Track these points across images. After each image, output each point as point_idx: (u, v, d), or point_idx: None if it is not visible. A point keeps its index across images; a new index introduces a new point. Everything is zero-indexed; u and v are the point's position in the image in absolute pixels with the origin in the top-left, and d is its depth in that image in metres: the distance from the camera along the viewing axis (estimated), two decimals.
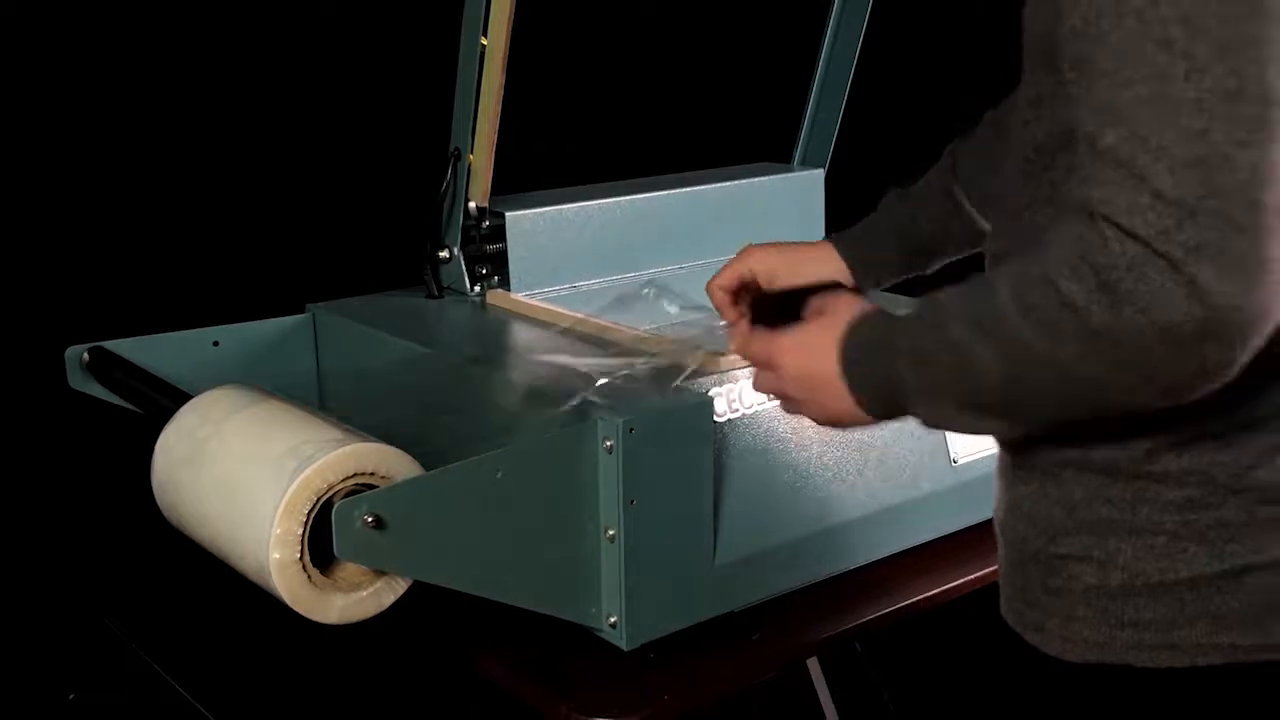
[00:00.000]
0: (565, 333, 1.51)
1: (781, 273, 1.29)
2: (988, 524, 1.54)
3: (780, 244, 1.33)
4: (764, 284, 1.29)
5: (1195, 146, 0.77)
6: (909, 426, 1.47)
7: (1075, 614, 0.98)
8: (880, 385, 0.99)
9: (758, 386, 1.13)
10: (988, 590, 1.58)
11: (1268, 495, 0.93)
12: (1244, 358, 0.80)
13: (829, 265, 1.33)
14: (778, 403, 1.13)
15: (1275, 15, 0.78)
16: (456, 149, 1.70)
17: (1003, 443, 1.06)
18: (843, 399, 1.02)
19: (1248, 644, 0.94)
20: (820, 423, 1.09)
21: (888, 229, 1.37)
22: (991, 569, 1.53)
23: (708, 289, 1.30)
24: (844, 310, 1.05)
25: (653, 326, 1.51)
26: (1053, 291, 0.83)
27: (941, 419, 0.97)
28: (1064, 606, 0.99)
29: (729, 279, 1.29)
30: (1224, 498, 0.93)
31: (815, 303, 1.14)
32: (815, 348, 1.04)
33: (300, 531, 1.11)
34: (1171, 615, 0.95)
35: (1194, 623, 0.95)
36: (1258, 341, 0.80)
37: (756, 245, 1.31)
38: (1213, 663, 0.95)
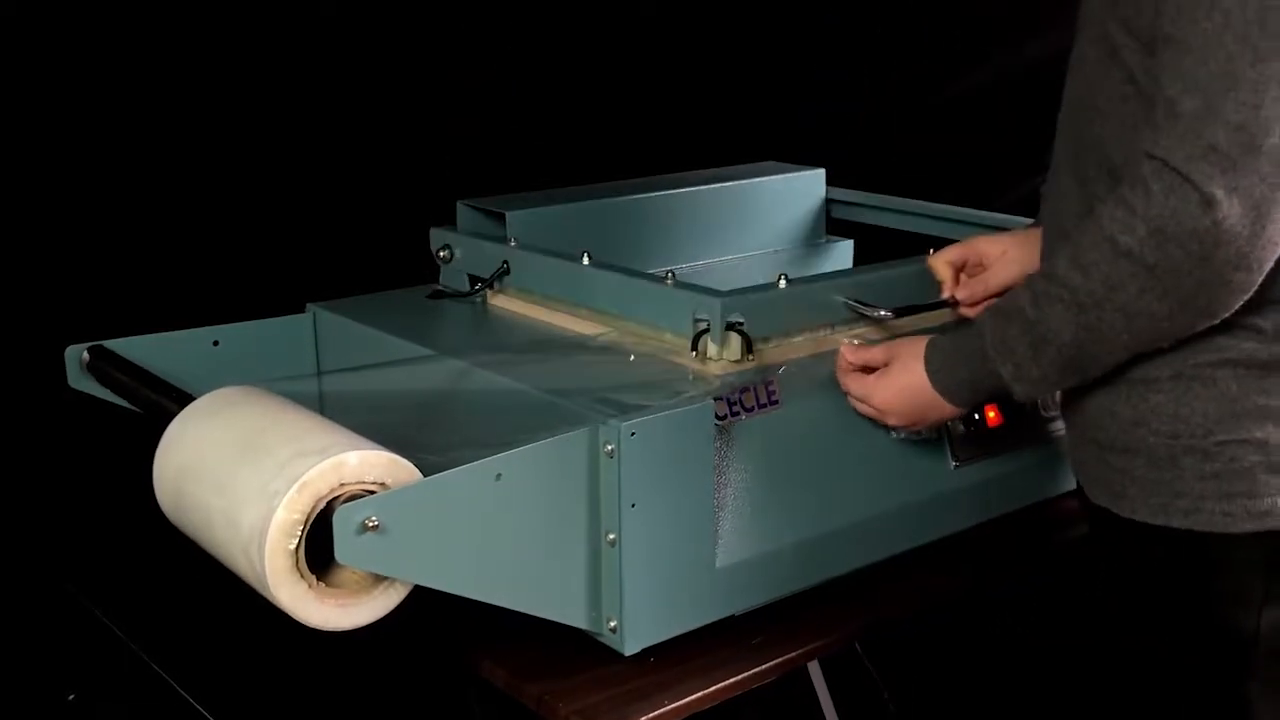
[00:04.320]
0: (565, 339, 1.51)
1: (1012, 250, 1.44)
2: (988, 524, 1.55)
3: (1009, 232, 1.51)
4: (990, 263, 1.44)
5: (1247, 116, 1.01)
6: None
7: (1236, 490, 1.13)
8: (968, 383, 1.26)
9: (861, 411, 1.39)
10: (987, 590, 1.58)
11: None
12: (1259, 278, 1.05)
13: None
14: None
15: None
16: None
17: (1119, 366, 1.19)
18: (942, 411, 1.31)
19: None
20: (919, 430, 1.41)
21: None
22: (991, 569, 1.54)
23: (930, 264, 1.47)
24: (914, 345, 1.33)
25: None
26: (1109, 246, 1.08)
27: (1034, 390, 1.20)
28: (1222, 487, 1.13)
29: (955, 255, 1.46)
30: None
31: (883, 352, 1.36)
32: (905, 375, 1.32)
33: (299, 536, 1.10)
34: None
35: None
36: (1269, 265, 1.05)
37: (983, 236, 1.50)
38: None
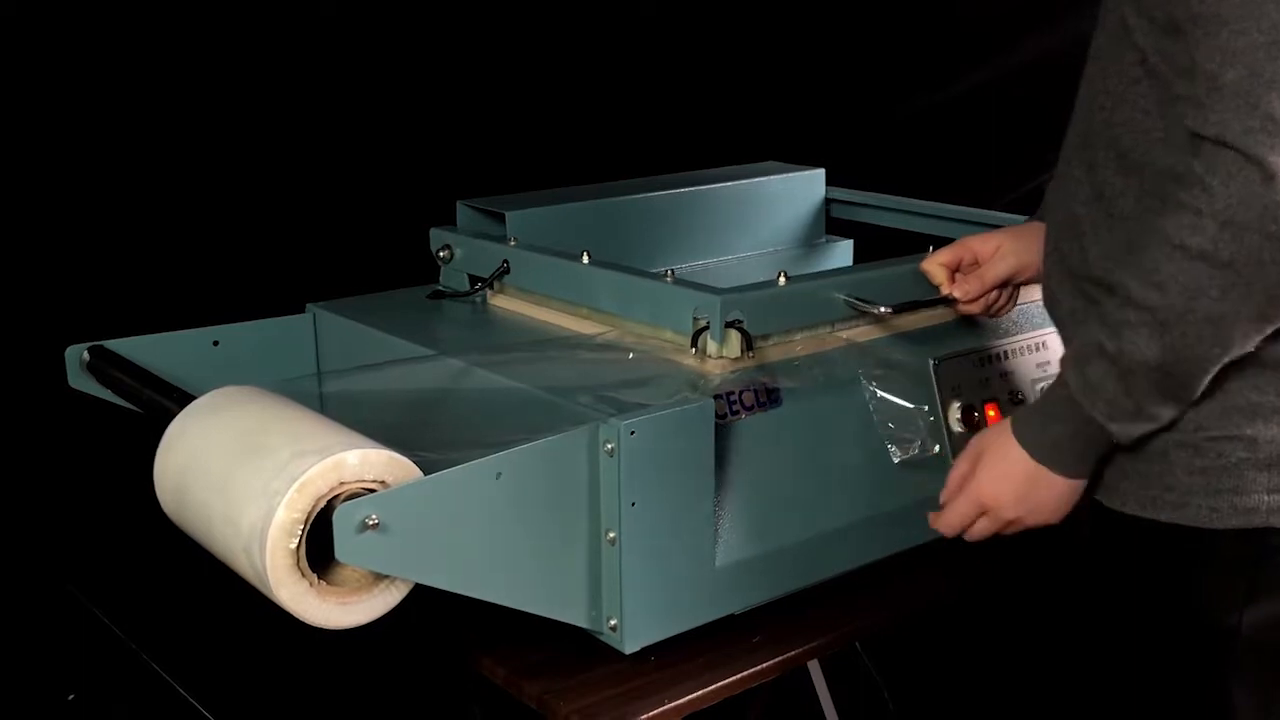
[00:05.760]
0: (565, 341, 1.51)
1: (1005, 244, 1.44)
2: None
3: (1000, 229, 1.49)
4: (985, 259, 1.44)
5: None
6: None
7: (1223, 486, 1.12)
8: (1065, 439, 1.16)
9: (977, 536, 1.26)
10: (987, 590, 1.58)
11: None
12: None
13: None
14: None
15: None
16: None
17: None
18: (1052, 484, 1.18)
19: None
20: (1049, 522, 1.22)
21: None
22: (990, 570, 1.53)
23: (924, 268, 1.47)
24: (996, 433, 1.22)
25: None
26: (1180, 254, 1.02)
27: (1133, 427, 1.12)
28: (1209, 482, 1.12)
29: (948, 256, 1.46)
30: None
31: (968, 459, 1.26)
32: (1001, 462, 1.20)
33: (300, 535, 1.11)
34: None
35: None
36: None
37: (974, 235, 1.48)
38: None
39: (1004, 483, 1.20)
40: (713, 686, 1.29)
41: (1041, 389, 1.57)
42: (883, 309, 1.46)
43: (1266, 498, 1.12)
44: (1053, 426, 1.16)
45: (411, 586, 1.17)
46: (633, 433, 1.22)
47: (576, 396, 1.31)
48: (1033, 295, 1.59)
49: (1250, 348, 1.07)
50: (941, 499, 1.28)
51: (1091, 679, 1.28)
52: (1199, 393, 1.10)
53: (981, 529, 1.25)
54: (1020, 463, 1.19)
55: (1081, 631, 1.31)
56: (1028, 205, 1.61)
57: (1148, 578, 1.19)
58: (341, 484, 1.12)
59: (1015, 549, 1.57)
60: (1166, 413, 1.12)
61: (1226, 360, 1.07)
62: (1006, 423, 1.21)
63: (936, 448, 1.46)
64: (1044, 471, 1.18)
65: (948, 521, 1.27)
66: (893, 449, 1.44)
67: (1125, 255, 1.10)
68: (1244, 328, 1.05)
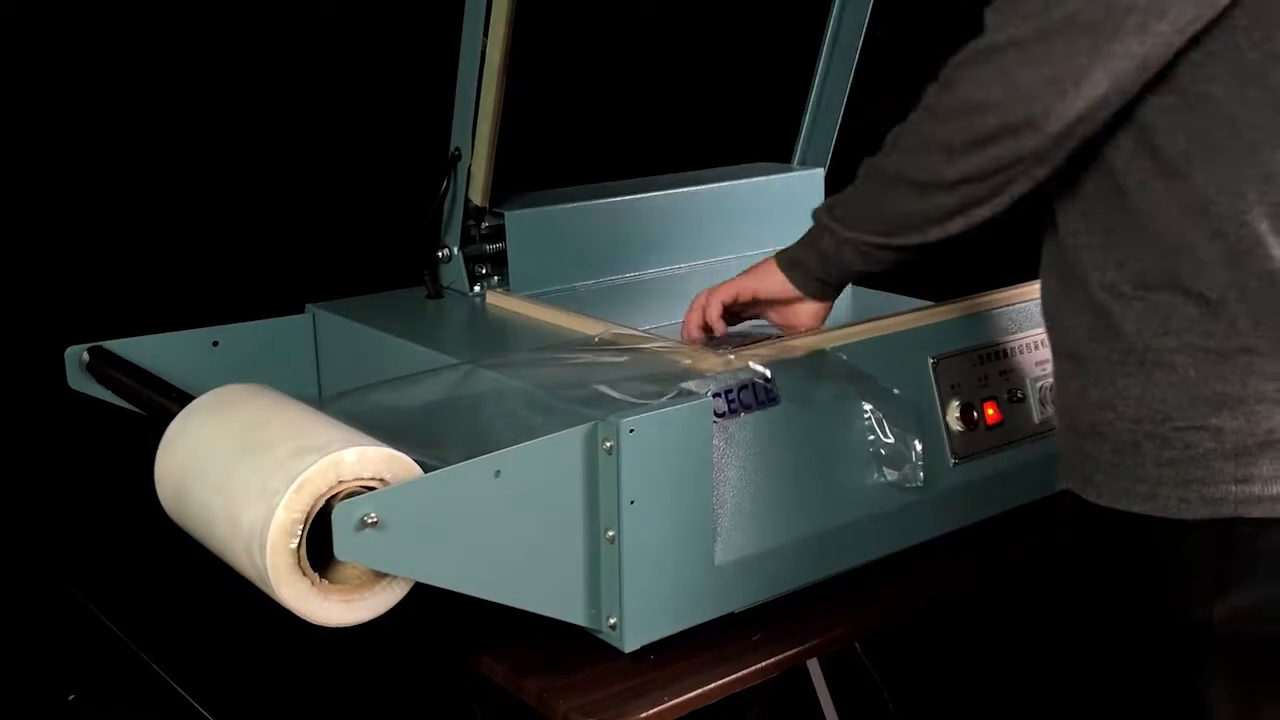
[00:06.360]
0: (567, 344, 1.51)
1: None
2: (987, 524, 1.55)
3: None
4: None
5: None
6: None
7: (1192, 477, 1.12)
8: (800, 245, 1.40)
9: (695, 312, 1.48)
10: (987, 590, 1.58)
11: None
12: None
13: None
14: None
15: None
16: (456, 149, 1.70)
17: (1092, 342, 1.17)
18: (774, 274, 1.42)
19: None
20: (758, 292, 1.44)
21: None
22: (990, 569, 1.54)
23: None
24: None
25: (653, 326, 1.51)
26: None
27: (846, 227, 1.32)
28: (1178, 473, 1.13)
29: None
30: None
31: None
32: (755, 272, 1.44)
33: (300, 533, 1.11)
34: (1278, 469, 1.10)
35: None
36: None
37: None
38: None
39: (746, 277, 1.45)
40: (712, 685, 1.29)
41: (1041, 387, 1.58)
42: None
43: (1234, 488, 1.11)
44: (799, 246, 1.40)
45: (411, 584, 1.17)
46: (632, 431, 1.22)
47: (575, 395, 1.31)
48: (1034, 292, 1.59)
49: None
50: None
51: (1077, 675, 1.28)
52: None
53: (698, 302, 1.47)
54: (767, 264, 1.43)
55: (1067, 627, 1.31)
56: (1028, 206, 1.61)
57: (1123, 571, 1.19)
58: (340, 482, 1.12)
59: (1016, 547, 1.57)
60: (869, 229, 1.29)
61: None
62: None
63: (920, 480, 1.44)
64: (778, 274, 1.42)
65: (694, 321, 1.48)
66: (889, 472, 1.44)
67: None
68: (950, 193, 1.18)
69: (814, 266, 1.38)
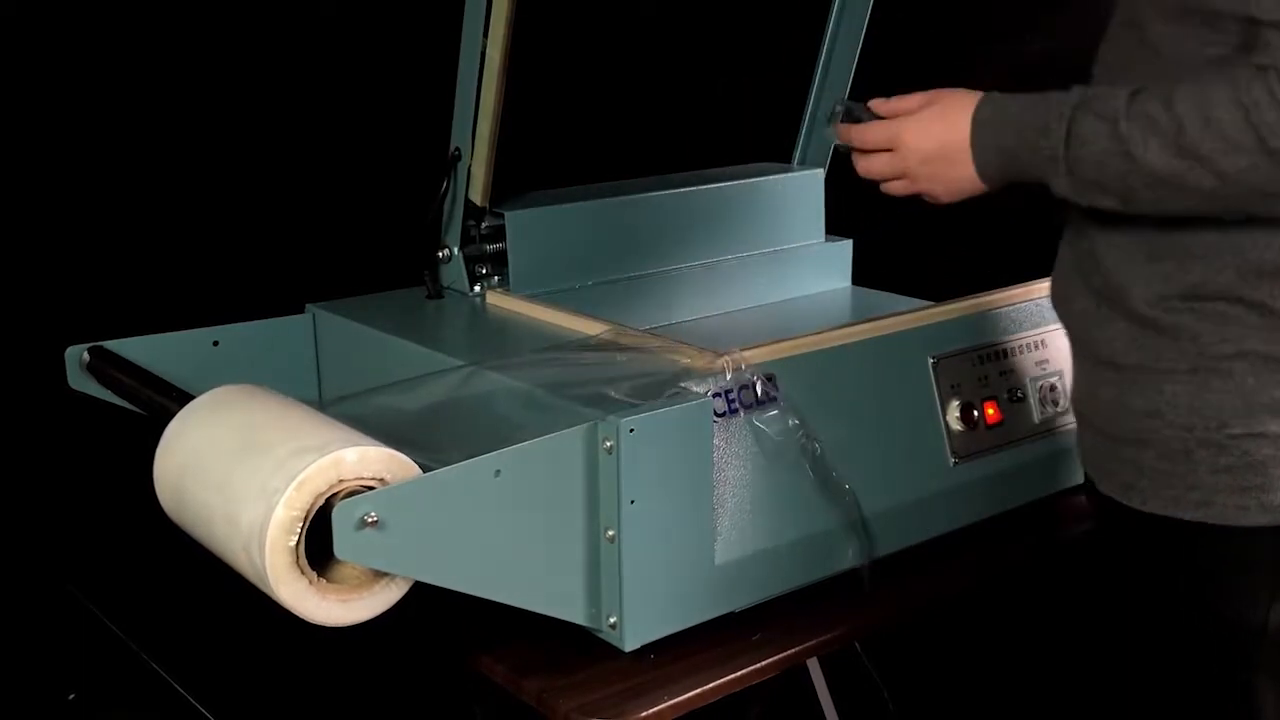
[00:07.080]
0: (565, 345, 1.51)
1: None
2: (987, 523, 1.55)
3: None
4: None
5: None
6: (910, 423, 1.48)
7: (1250, 484, 1.12)
8: (1007, 152, 1.16)
9: (871, 170, 1.29)
10: (987, 590, 1.58)
11: None
12: None
13: None
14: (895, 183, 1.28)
15: None
16: (457, 149, 1.70)
17: (1137, 352, 1.16)
18: (963, 168, 1.20)
19: None
20: (936, 196, 1.27)
21: None
22: (990, 569, 1.54)
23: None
24: (963, 93, 1.21)
25: (653, 326, 1.51)
26: (1242, 113, 1.01)
27: (1073, 191, 1.12)
28: (1235, 480, 1.12)
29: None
30: None
31: (921, 98, 1.24)
32: (941, 120, 1.21)
33: (299, 531, 1.11)
34: None
35: None
36: None
37: None
38: None
39: (929, 138, 1.23)
40: (712, 684, 1.29)
41: (1041, 387, 1.58)
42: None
43: None
44: (1006, 134, 1.17)
45: (411, 584, 1.17)
46: (632, 430, 1.22)
47: (575, 395, 1.31)
48: (1035, 292, 1.59)
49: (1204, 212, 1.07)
50: (883, 108, 1.28)
51: (1109, 679, 1.27)
52: (1133, 210, 1.10)
53: (879, 165, 1.28)
54: (956, 132, 1.20)
55: (1096, 631, 1.30)
56: (1028, 204, 1.61)
57: (1171, 576, 1.19)
58: (340, 481, 1.12)
59: (1016, 546, 1.57)
60: (1105, 202, 1.11)
61: (1184, 213, 1.08)
62: (976, 96, 1.20)
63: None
64: (966, 155, 1.20)
65: (860, 136, 1.29)
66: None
67: (1183, 81, 1.06)
68: (1217, 205, 1.06)
69: (1011, 169, 1.19)
